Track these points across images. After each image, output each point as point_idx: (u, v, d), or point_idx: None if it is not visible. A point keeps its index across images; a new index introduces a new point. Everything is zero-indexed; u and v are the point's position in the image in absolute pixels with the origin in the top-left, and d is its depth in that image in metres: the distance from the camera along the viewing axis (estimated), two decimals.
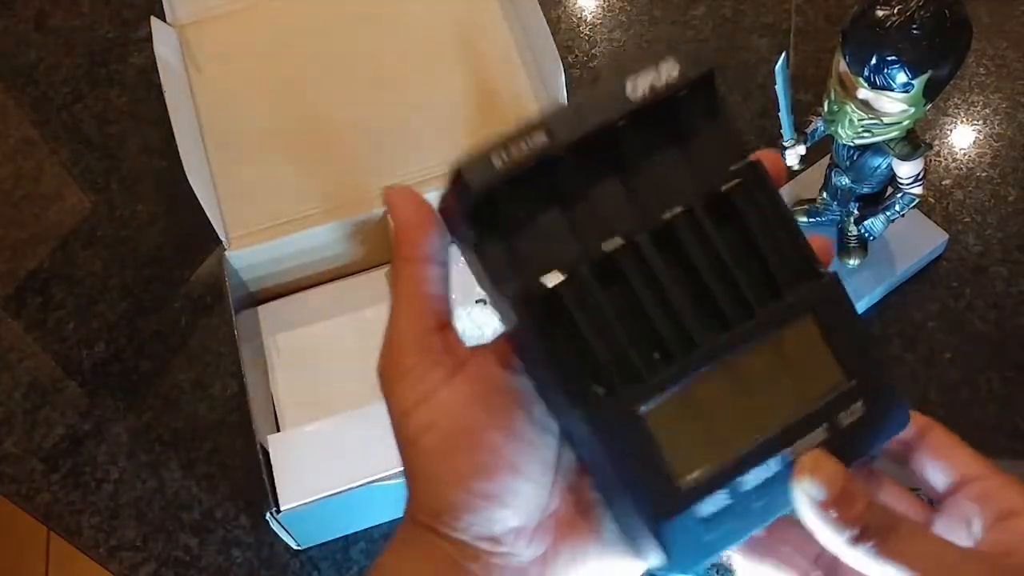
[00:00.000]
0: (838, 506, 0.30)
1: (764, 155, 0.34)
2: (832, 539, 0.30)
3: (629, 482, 0.31)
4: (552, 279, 0.31)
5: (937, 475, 0.36)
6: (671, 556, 0.31)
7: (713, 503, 0.31)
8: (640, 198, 0.32)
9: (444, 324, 0.33)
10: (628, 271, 0.32)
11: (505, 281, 0.32)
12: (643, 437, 0.31)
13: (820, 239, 0.34)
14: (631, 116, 0.32)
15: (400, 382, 0.32)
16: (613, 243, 0.32)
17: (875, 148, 0.70)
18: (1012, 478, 0.34)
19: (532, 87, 0.83)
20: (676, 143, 0.33)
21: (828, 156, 0.76)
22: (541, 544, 0.33)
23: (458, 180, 0.31)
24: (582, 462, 0.34)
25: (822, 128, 0.72)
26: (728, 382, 0.32)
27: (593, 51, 0.96)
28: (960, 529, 0.34)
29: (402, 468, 0.33)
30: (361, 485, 0.66)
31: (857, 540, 0.30)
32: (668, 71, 0.32)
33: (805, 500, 0.30)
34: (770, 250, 0.33)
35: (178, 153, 0.73)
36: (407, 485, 0.33)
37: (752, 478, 0.31)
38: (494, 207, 0.31)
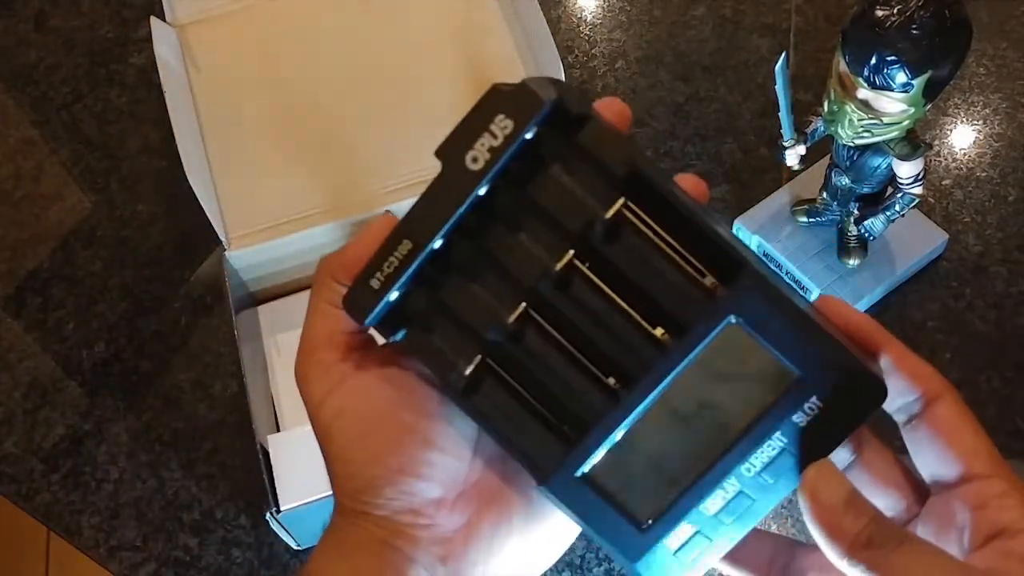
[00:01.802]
0: (840, 519, 0.30)
1: (605, 105, 0.32)
2: (833, 551, 0.30)
3: (603, 538, 0.32)
4: (467, 366, 0.32)
5: (934, 464, 0.32)
6: None
7: (679, 534, 0.32)
8: (531, 250, 0.32)
9: (357, 331, 0.34)
10: (534, 337, 0.32)
11: (440, 371, 0.33)
12: (595, 495, 0.32)
13: (689, 178, 0.33)
14: (485, 186, 0.31)
15: (311, 374, 0.34)
16: (516, 311, 0.32)
17: (875, 148, 0.70)
18: (1015, 482, 0.31)
19: None
20: (547, 182, 0.31)
21: (828, 156, 0.76)
22: (464, 514, 0.34)
23: (350, 312, 0.32)
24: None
25: (822, 128, 0.72)
26: (665, 415, 0.32)
27: (593, 51, 0.96)
28: (950, 535, 0.31)
29: (324, 462, 0.34)
30: None
31: (858, 554, 0.29)
32: (501, 128, 0.30)
33: (808, 512, 0.30)
34: (666, 269, 0.31)
35: (178, 153, 0.73)
36: (329, 475, 0.34)
37: (713, 502, 0.32)
38: (395, 318, 0.33)
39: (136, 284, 0.87)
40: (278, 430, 0.74)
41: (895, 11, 0.60)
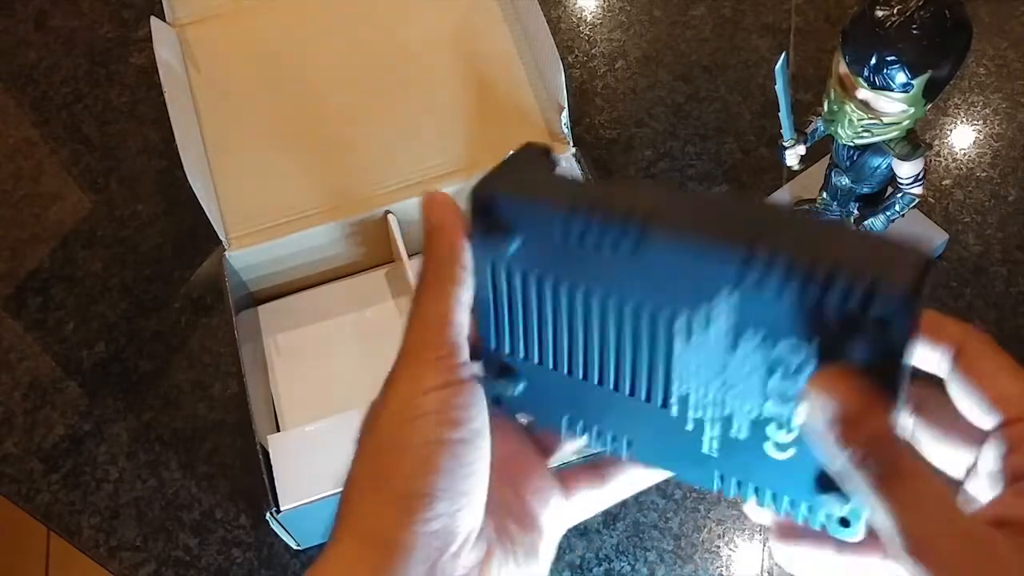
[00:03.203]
0: (847, 426, 0.28)
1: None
2: (834, 456, 0.29)
3: None
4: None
5: (976, 417, 0.31)
6: None
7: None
8: None
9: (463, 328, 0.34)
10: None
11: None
12: None
13: None
14: None
15: (426, 355, 0.33)
16: None
17: (875, 148, 0.70)
18: None
19: (532, 87, 0.83)
20: None
21: (828, 156, 0.77)
22: (477, 552, 0.34)
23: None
24: None
25: (822, 128, 0.72)
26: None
27: (593, 51, 0.96)
28: (985, 481, 0.30)
29: (365, 443, 0.33)
30: None
31: (860, 464, 0.28)
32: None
33: (816, 412, 0.29)
34: None
35: (178, 153, 0.73)
36: (370, 465, 0.33)
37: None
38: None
39: (136, 284, 0.87)
40: (278, 430, 0.74)
41: (895, 11, 0.60)
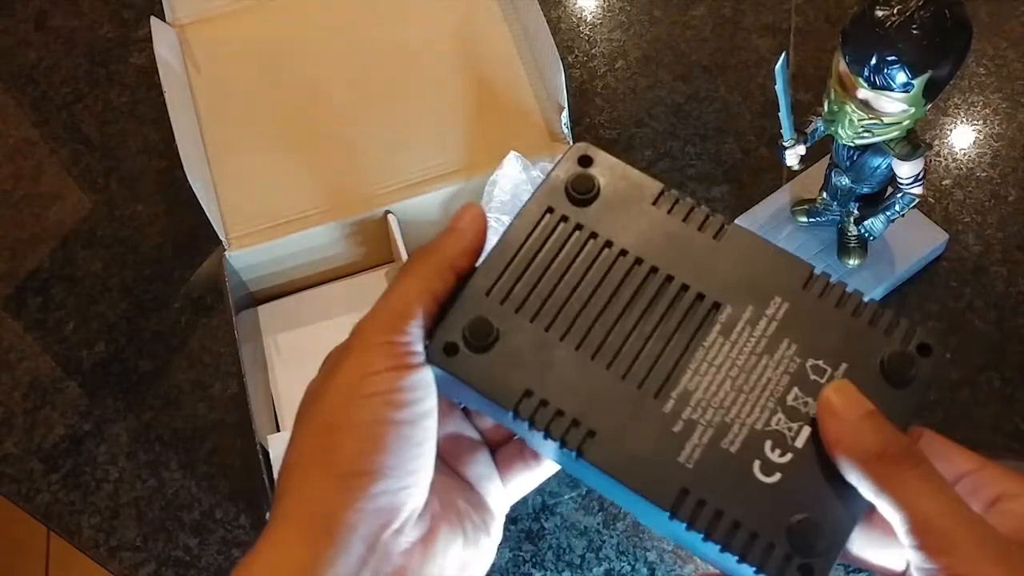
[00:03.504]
0: (857, 433, 0.30)
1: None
2: (848, 464, 0.30)
3: None
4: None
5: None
6: None
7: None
8: None
9: (422, 320, 0.34)
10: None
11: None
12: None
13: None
14: None
15: (375, 344, 0.33)
16: None
17: (875, 148, 0.70)
18: (1006, 468, 0.32)
19: (532, 87, 0.83)
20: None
21: (828, 156, 0.76)
22: (419, 529, 0.34)
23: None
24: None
25: (822, 128, 0.72)
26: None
27: (593, 51, 0.96)
28: None
29: (305, 423, 0.34)
30: None
31: (871, 468, 0.29)
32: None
33: (825, 427, 0.30)
34: None
35: (178, 153, 0.73)
36: (308, 447, 0.34)
37: None
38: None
39: (136, 284, 0.87)
40: (278, 430, 0.74)
41: (895, 11, 0.60)
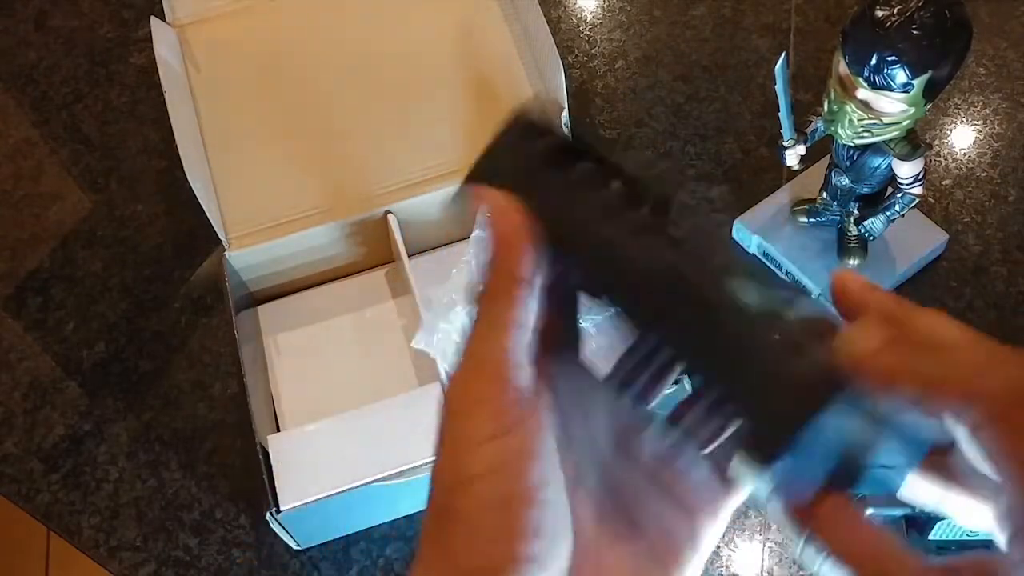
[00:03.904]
0: (867, 294, 0.29)
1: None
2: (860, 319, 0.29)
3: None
4: None
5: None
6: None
7: None
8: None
9: (521, 360, 0.30)
10: None
11: None
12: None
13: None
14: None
15: (478, 406, 0.28)
16: None
17: (875, 148, 0.70)
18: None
19: (532, 87, 0.83)
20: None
21: (828, 156, 0.76)
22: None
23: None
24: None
25: (822, 128, 0.72)
26: None
27: (593, 51, 0.96)
28: None
29: (426, 511, 0.29)
30: (361, 485, 0.66)
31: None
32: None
33: (837, 298, 0.30)
34: None
35: (178, 153, 0.73)
36: (433, 537, 0.29)
37: None
38: None
39: (136, 284, 0.87)
40: (278, 430, 0.74)
41: (895, 11, 0.60)
